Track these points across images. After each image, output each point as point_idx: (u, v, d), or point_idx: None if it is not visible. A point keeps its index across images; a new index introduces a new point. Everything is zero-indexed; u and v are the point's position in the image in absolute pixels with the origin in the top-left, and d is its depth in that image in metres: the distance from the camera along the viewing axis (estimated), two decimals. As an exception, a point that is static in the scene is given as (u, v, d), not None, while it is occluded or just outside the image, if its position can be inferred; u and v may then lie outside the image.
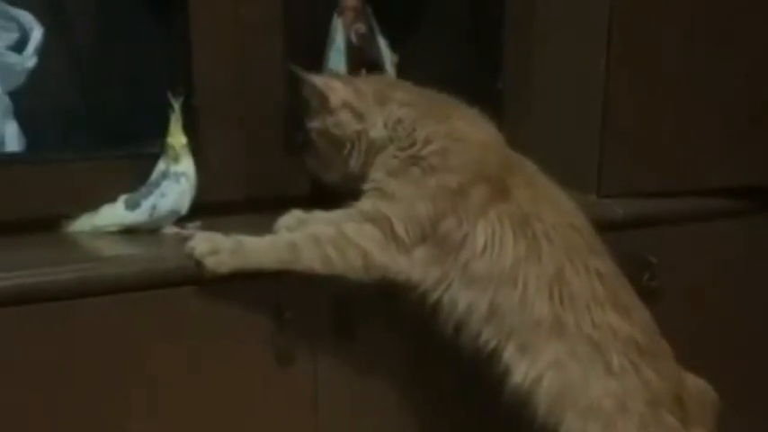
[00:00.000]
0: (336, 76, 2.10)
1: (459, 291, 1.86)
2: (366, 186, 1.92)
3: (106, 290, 1.76)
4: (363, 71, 2.33)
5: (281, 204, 2.00)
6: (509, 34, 2.38)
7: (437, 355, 1.92)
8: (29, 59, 2.10)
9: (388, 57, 2.37)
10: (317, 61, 2.31)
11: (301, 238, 1.84)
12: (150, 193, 1.94)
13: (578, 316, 1.85)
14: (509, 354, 1.85)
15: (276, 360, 1.89)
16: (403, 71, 2.39)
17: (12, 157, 2.05)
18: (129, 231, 1.95)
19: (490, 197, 1.88)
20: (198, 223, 1.98)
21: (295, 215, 1.95)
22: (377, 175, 1.92)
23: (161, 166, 1.95)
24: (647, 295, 2.05)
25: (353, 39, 2.32)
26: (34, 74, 2.11)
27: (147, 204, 1.94)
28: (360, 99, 1.98)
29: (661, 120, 2.30)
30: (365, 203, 1.89)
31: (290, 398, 1.93)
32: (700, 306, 2.34)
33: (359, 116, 1.97)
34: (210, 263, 1.78)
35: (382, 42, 2.37)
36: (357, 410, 2.00)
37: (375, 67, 2.35)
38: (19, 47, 2.11)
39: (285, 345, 1.89)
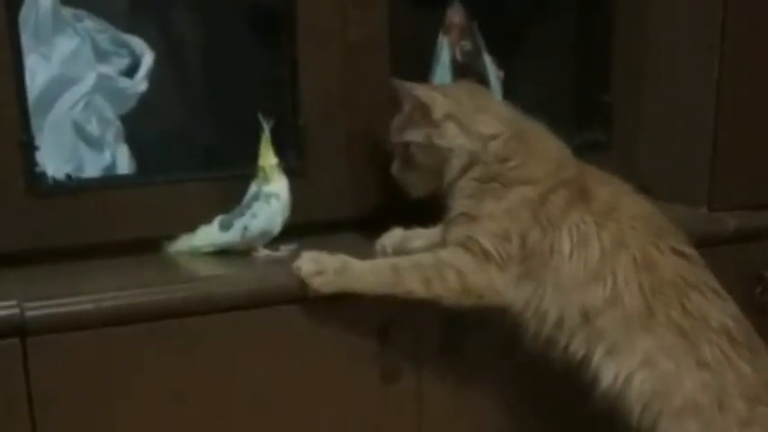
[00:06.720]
0: (434, 87, 2.08)
1: (551, 301, 1.84)
2: (450, 215, 1.93)
3: (213, 309, 1.78)
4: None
5: (387, 222, 2.01)
6: (617, 47, 2.34)
7: (544, 372, 1.89)
8: (140, 84, 2.15)
9: (493, 73, 2.36)
10: (422, 79, 2.31)
11: (403, 261, 1.85)
12: (242, 214, 1.94)
13: (668, 302, 1.81)
14: (598, 358, 1.81)
15: (381, 378, 1.90)
16: (509, 87, 2.38)
17: (122, 180, 2.10)
18: (223, 252, 1.96)
19: (570, 200, 1.87)
20: (293, 246, 1.97)
21: (397, 233, 1.98)
22: (458, 202, 1.92)
23: (253, 187, 1.96)
24: (760, 310, 2.01)
25: (459, 56, 2.32)
26: (144, 98, 2.16)
27: (238, 225, 1.94)
28: (462, 110, 1.95)
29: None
30: (453, 231, 1.90)
31: (395, 416, 1.93)
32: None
33: (464, 128, 1.94)
34: (315, 283, 1.79)
35: (488, 59, 2.35)
36: (461, 429, 2.00)
37: (480, 83, 2.34)
38: (130, 72, 2.16)
39: (390, 363, 1.90)
